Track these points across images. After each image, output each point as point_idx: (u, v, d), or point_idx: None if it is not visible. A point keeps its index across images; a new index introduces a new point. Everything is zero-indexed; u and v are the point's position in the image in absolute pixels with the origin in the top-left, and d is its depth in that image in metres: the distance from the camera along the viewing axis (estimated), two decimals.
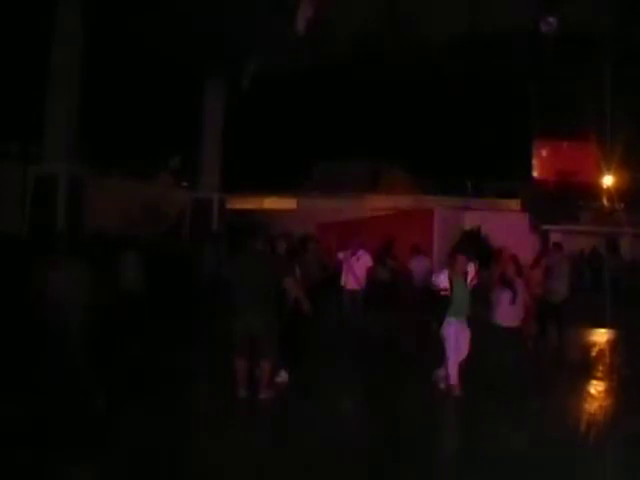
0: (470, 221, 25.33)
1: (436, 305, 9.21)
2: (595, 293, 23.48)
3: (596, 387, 10.16)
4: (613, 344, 14.69)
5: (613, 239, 26.24)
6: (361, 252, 13.71)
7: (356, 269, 13.50)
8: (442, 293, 9.08)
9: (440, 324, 9.17)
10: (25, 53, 18.32)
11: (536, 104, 29.80)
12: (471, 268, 9.16)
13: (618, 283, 23.84)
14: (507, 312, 9.39)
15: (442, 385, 9.23)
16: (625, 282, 23.55)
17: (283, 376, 9.15)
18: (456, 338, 9.04)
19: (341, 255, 13.75)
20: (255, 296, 8.12)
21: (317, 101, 30.13)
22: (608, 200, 30.11)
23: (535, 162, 30.62)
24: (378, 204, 28.76)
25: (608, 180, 30.95)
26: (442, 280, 9.12)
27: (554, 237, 25.57)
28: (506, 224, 24.39)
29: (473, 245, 22.40)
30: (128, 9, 15.78)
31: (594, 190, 30.25)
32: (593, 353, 13.30)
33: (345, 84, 28.01)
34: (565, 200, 28.06)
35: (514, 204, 29.87)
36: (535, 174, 30.62)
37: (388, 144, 33.01)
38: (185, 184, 29.40)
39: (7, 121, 21.55)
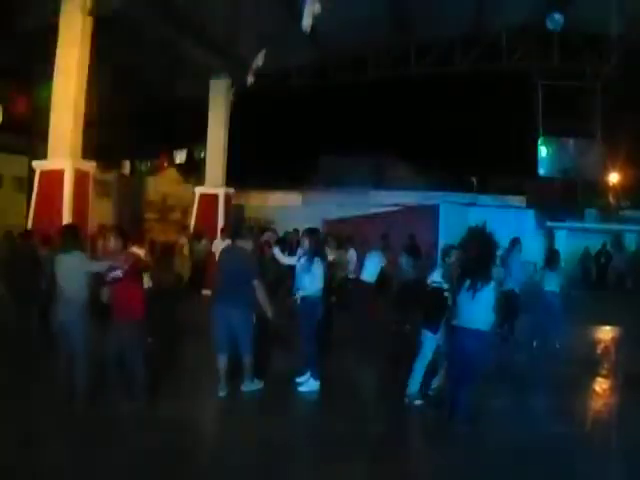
0: (475, 217, 25.28)
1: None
2: (600, 290, 23.57)
3: (601, 384, 10.18)
4: (617, 341, 14.65)
5: (618, 236, 26.20)
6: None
7: None
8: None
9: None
10: (31, 45, 18.31)
11: (542, 101, 29.77)
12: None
13: (623, 280, 23.88)
14: None
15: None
16: (630, 279, 23.56)
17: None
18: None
19: None
20: (230, 289, 8.23)
21: (322, 97, 30.14)
22: (613, 197, 30.08)
23: (541, 159, 30.57)
24: (383, 200, 28.74)
25: (613, 177, 30.91)
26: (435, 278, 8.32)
27: (559, 234, 25.60)
28: (511, 221, 24.34)
29: (478, 241, 22.39)
30: (135, 6, 15.76)
31: (599, 187, 30.22)
32: (597, 350, 13.27)
33: (351, 80, 28.04)
34: (570, 197, 28.03)
35: (519, 201, 29.83)
36: (541, 171, 30.58)
37: (394, 139, 33.01)
38: (191, 179, 29.44)
39: (13, 115, 21.62)
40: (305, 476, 6.41)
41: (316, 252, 8.98)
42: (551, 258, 12.58)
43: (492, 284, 7.59)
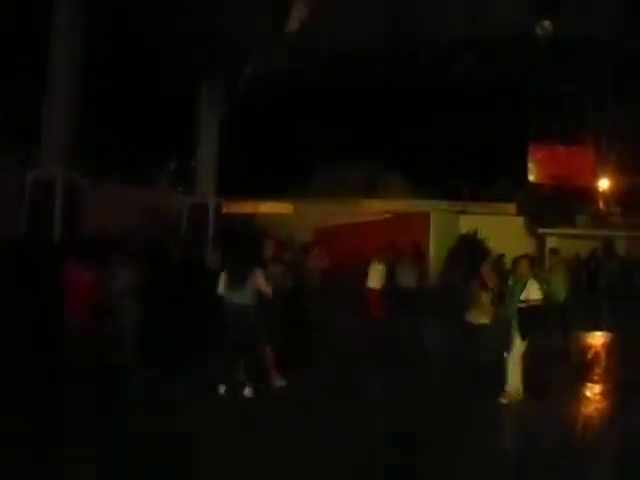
0: (466, 225, 25.35)
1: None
2: (591, 296, 23.59)
3: (592, 390, 10.20)
4: (609, 347, 14.68)
5: (609, 243, 26.26)
6: None
7: None
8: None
9: None
10: (23, 54, 18.28)
11: (533, 107, 29.86)
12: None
13: (614, 286, 23.91)
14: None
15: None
16: (621, 285, 23.59)
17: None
18: None
19: None
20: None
21: (314, 104, 30.14)
22: (604, 203, 30.14)
23: (531, 166, 30.64)
24: (375, 208, 28.76)
25: (604, 184, 31.00)
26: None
27: (550, 241, 25.64)
28: (502, 228, 24.43)
29: (469, 249, 22.49)
30: (127, 11, 15.78)
31: (590, 194, 30.28)
32: (590, 355, 13.30)
33: (342, 87, 28.04)
34: (561, 204, 28.07)
35: (510, 208, 29.85)
36: (531, 178, 30.63)
37: (385, 148, 33.06)
38: (181, 188, 29.36)
39: (4, 124, 21.51)
40: None
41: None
42: None
43: None
